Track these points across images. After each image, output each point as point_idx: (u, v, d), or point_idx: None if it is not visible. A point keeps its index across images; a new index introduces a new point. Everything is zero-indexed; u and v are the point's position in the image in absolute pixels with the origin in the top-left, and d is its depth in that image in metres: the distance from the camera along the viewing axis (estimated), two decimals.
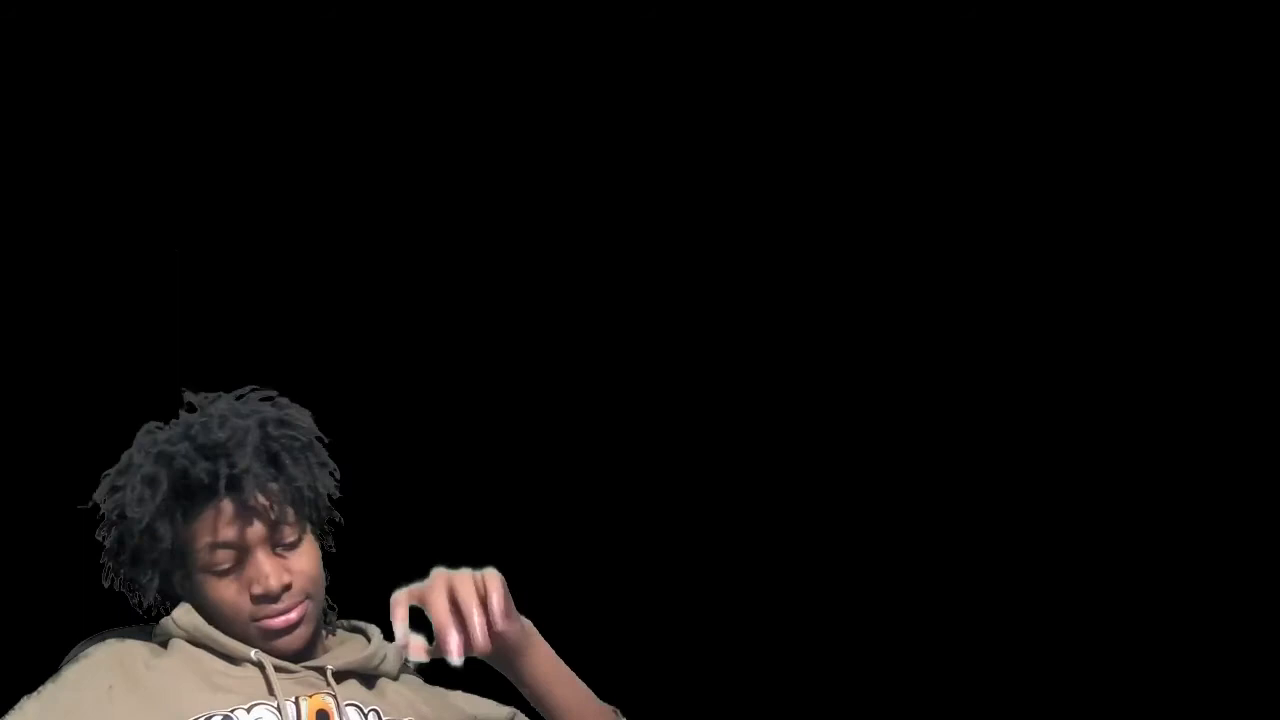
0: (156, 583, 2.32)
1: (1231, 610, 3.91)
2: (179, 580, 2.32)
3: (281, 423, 2.32)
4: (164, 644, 2.36)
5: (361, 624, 2.49)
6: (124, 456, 2.35)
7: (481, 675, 2.42)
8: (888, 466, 4.00)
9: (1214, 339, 3.93)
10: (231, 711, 2.26)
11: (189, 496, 2.27)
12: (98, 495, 2.35)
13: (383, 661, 2.41)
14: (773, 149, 3.94)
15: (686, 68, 3.88)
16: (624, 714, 2.45)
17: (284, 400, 2.36)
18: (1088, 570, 3.95)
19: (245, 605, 2.30)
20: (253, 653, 2.31)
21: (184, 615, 2.35)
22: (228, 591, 2.30)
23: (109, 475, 2.35)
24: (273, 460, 2.30)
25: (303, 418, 2.36)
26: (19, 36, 3.65)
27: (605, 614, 3.71)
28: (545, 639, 2.34)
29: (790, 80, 3.90)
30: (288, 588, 2.30)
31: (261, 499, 2.27)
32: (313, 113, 3.81)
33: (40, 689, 2.34)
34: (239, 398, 2.34)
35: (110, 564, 2.36)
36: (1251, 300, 3.93)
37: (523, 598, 2.30)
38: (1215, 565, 3.92)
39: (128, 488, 2.31)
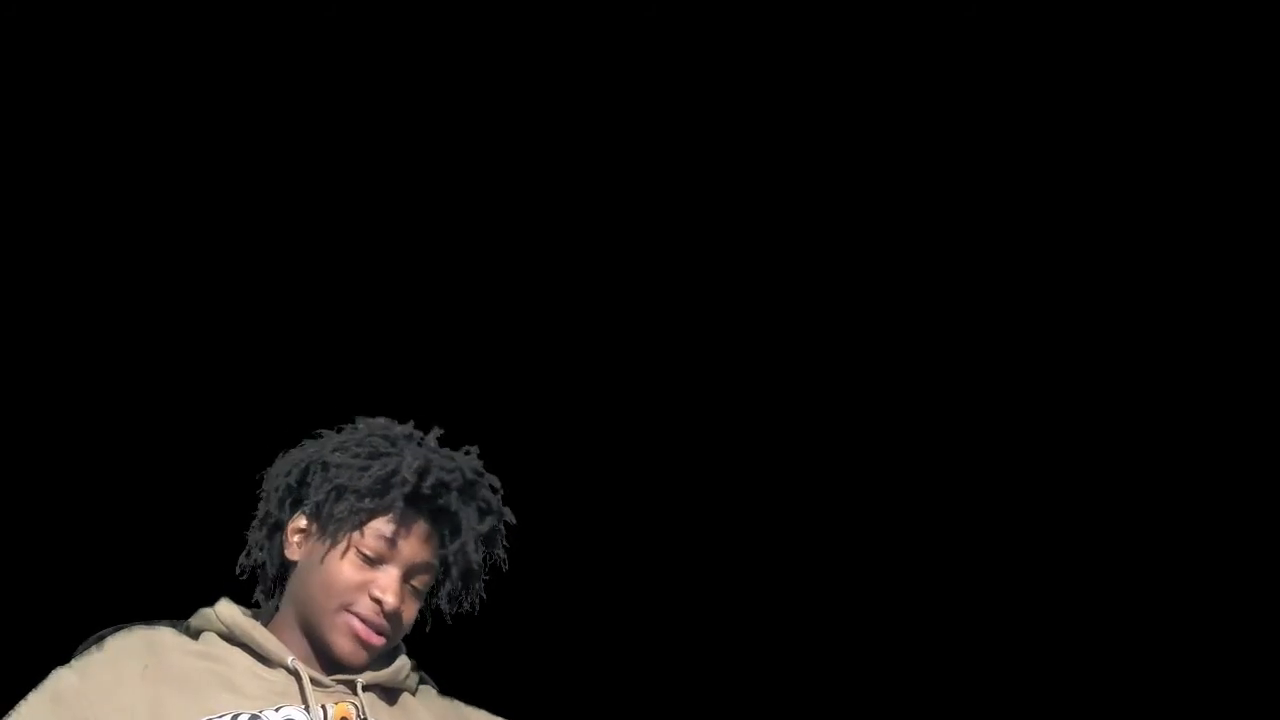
0: (286, 521, 2.38)
1: (1230, 610, 3.92)
2: (300, 539, 2.36)
3: (497, 507, 2.43)
4: (194, 637, 2.39)
5: None
6: (350, 427, 2.43)
7: (496, 690, 2.49)
8: (883, 467, 4.01)
9: (1212, 339, 3.94)
10: (260, 711, 2.29)
11: (396, 494, 2.35)
12: (323, 432, 2.44)
13: (406, 677, 2.45)
14: (773, 149, 3.95)
15: (686, 67, 3.89)
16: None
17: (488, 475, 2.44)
18: (1082, 570, 3.97)
19: (354, 595, 2.35)
20: (289, 659, 2.35)
21: (226, 610, 2.40)
22: (352, 574, 2.35)
23: (330, 432, 2.44)
24: (487, 540, 2.41)
25: (497, 497, 2.45)
26: (19, 36, 3.65)
27: (618, 617, 3.73)
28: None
29: (790, 80, 3.91)
30: (394, 616, 2.35)
31: (444, 546, 2.37)
32: (304, 111, 3.82)
33: (73, 661, 2.36)
34: (467, 452, 2.43)
35: (268, 491, 2.43)
36: (1250, 300, 3.94)
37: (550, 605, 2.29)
38: (1215, 565, 3.93)
39: (351, 444, 2.39)
